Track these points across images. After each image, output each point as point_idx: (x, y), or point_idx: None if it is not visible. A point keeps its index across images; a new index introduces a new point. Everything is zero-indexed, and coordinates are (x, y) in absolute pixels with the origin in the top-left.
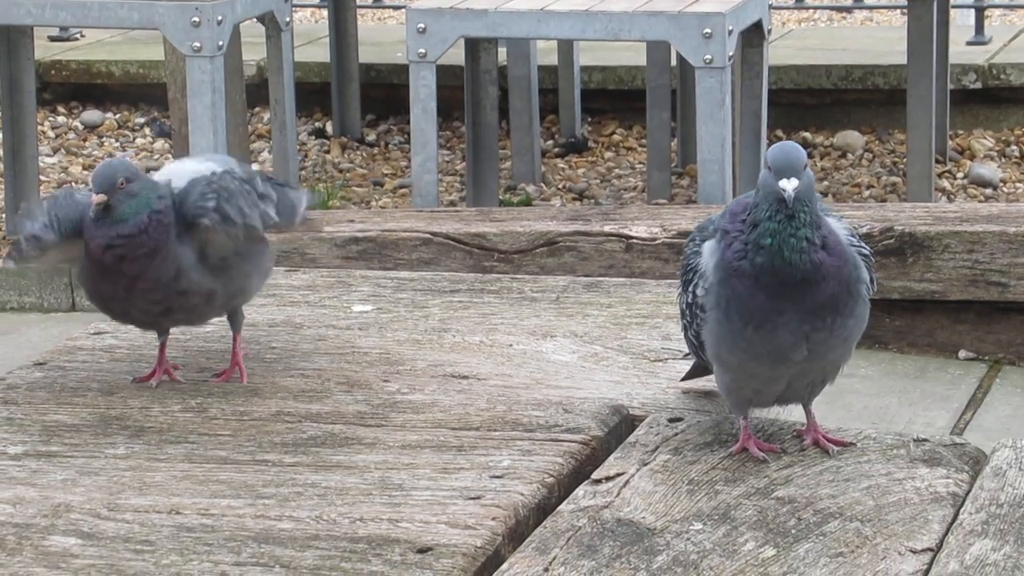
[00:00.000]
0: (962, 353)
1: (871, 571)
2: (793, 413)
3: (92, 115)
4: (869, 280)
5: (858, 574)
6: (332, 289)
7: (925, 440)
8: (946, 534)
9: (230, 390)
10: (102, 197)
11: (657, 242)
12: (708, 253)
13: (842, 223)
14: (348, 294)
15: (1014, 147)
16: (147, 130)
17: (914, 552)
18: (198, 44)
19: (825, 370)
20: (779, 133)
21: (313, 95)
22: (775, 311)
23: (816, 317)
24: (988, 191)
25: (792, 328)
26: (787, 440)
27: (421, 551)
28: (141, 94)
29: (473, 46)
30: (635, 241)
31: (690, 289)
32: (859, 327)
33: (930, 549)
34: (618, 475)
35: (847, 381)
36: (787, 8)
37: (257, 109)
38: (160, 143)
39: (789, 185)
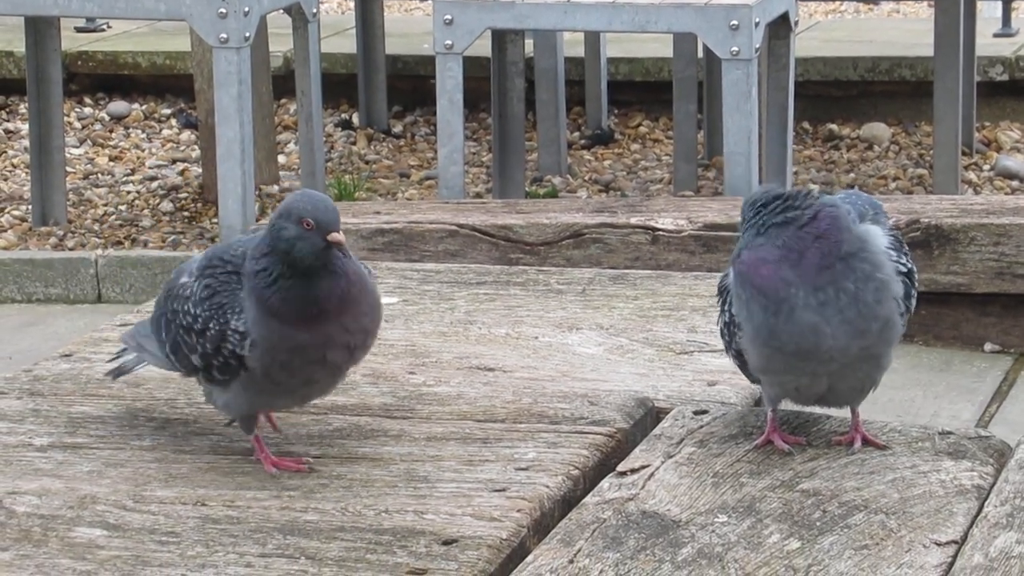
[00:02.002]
0: (988, 346)
1: (896, 563)
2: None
3: (118, 106)
4: (904, 295)
5: (883, 567)
6: None
7: (950, 433)
8: (971, 527)
9: None
10: (341, 236)
11: (683, 234)
12: (733, 272)
13: (886, 232)
14: None
15: None
16: (173, 121)
17: (939, 544)
18: (225, 35)
19: (863, 371)
20: (805, 125)
21: (340, 86)
22: (783, 283)
23: (819, 291)
24: (1015, 183)
25: (802, 303)
26: (812, 432)
27: (446, 543)
28: (167, 85)
29: (500, 38)
30: (661, 233)
31: (725, 308)
32: (881, 328)
33: (955, 542)
34: (643, 467)
35: None
36: (814, 0)
37: (284, 100)
38: (186, 134)
39: None
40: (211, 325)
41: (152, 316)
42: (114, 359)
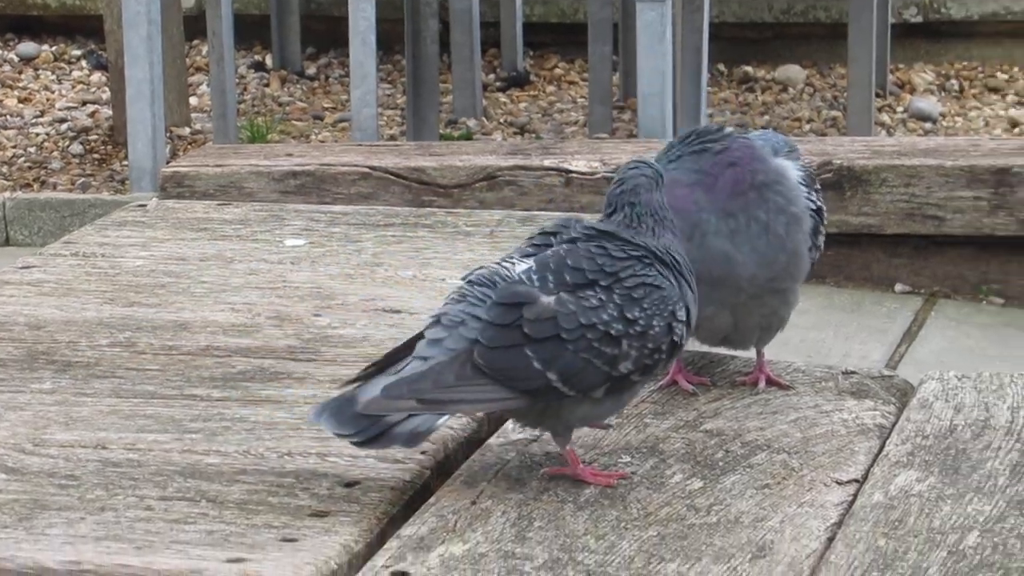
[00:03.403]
0: (898, 287)
1: (797, 502)
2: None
3: (28, 47)
4: (813, 231)
5: (784, 505)
6: (265, 223)
7: (853, 373)
8: (872, 465)
9: (159, 324)
10: None
11: (596, 176)
12: None
13: (798, 167)
14: (281, 228)
15: (954, 81)
16: (83, 63)
17: (840, 483)
18: None
19: (769, 307)
20: (720, 67)
21: (252, 28)
22: (695, 205)
23: (731, 217)
24: (928, 125)
25: (713, 230)
26: (716, 373)
27: (348, 485)
28: (77, 26)
29: None
30: (575, 175)
31: None
32: (789, 261)
33: (856, 480)
34: None
35: None
36: None
37: (196, 42)
38: (97, 76)
39: None
40: (655, 323)
41: (492, 358)
42: (365, 430)
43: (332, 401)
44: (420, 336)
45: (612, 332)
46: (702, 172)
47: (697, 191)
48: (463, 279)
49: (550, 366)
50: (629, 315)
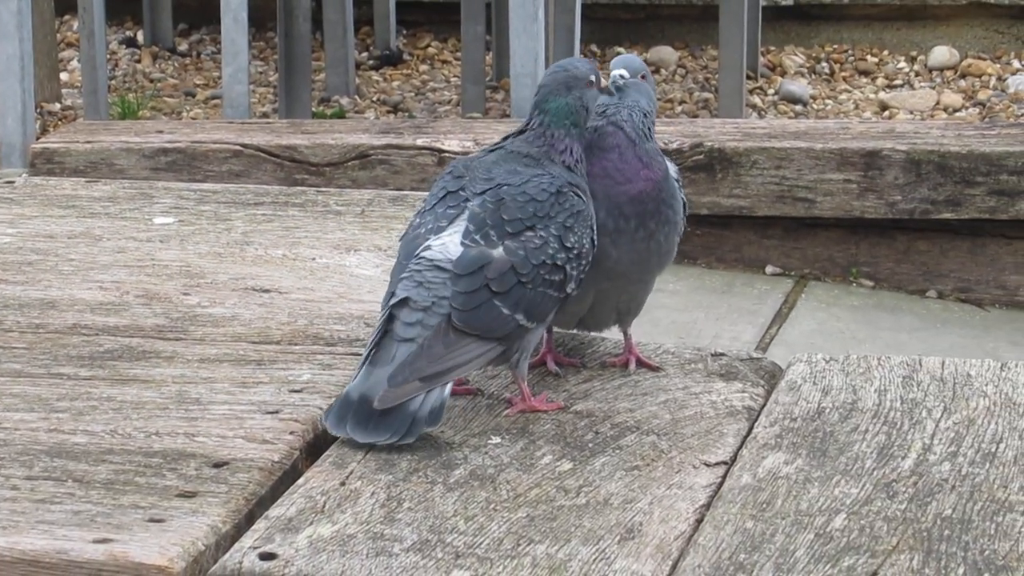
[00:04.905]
0: (769, 268)
1: (666, 484)
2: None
3: None
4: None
5: (653, 487)
6: (134, 201)
7: (722, 355)
8: (740, 447)
9: (26, 302)
10: None
11: (469, 156)
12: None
13: (673, 166)
14: (150, 206)
15: (824, 64)
16: None
17: (708, 465)
18: None
19: (629, 293)
20: (593, 47)
21: (124, 3)
22: (595, 198)
23: (623, 219)
24: (798, 107)
25: (599, 224)
26: (587, 354)
27: (217, 465)
28: None
29: None
30: (447, 155)
31: None
32: (660, 259)
33: (724, 462)
34: None
35: (655, 296)
36: None
37: (66, 17)
38: None
39: (616, 71)
40: (584, 241)
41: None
42: (398, 430)
43: (340, 408)
44: (391, 318)
45: (558, 262)
46: (616, 166)
47: (607, 182)
48: (403, 248)
49: (517, 308)
50: (567, 243)
